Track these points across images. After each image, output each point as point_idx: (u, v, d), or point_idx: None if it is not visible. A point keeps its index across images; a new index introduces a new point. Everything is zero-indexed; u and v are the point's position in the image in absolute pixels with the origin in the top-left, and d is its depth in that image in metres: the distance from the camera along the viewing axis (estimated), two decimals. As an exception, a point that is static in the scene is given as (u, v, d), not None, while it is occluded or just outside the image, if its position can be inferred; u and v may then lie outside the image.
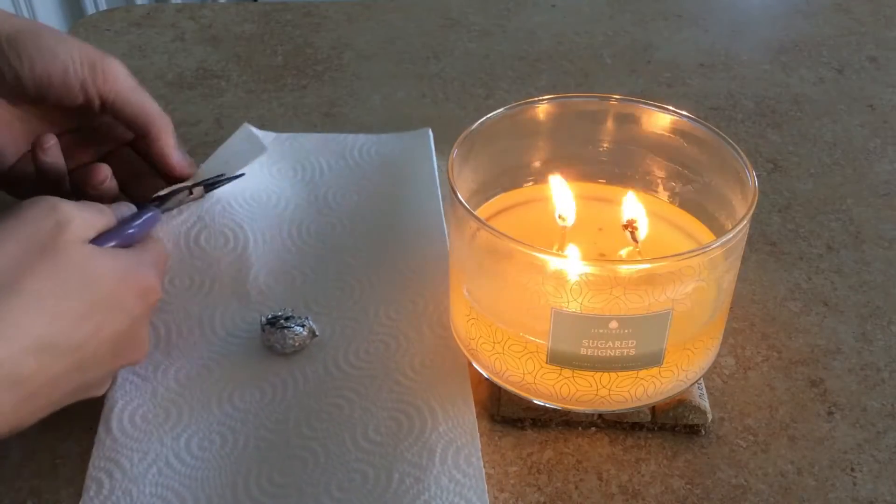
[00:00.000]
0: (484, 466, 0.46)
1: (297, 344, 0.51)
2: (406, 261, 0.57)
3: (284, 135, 0.67)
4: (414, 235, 0.58)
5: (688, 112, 0.50)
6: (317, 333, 0.52)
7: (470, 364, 0.49)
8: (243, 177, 0.59)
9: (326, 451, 0.46)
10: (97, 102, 0.54)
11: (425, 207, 0.61)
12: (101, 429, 0.47)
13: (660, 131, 0.51)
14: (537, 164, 0.54)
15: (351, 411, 0.48)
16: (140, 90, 0.55)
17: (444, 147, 0.66)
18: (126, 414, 0.48)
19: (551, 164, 0.53)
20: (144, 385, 0.49)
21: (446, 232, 0.58)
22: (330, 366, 0.51)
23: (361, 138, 0.67)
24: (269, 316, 0.52)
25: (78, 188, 0.54)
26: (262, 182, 0.61)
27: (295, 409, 0.48)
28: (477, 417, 0.48)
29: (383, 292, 0.55)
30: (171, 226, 0.56)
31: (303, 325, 0.51)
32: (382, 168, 0.64)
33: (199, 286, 0.54)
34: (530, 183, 0.54)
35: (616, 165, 0.53)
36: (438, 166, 0.64)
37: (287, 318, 0.51)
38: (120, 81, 0.54)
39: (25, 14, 1.49)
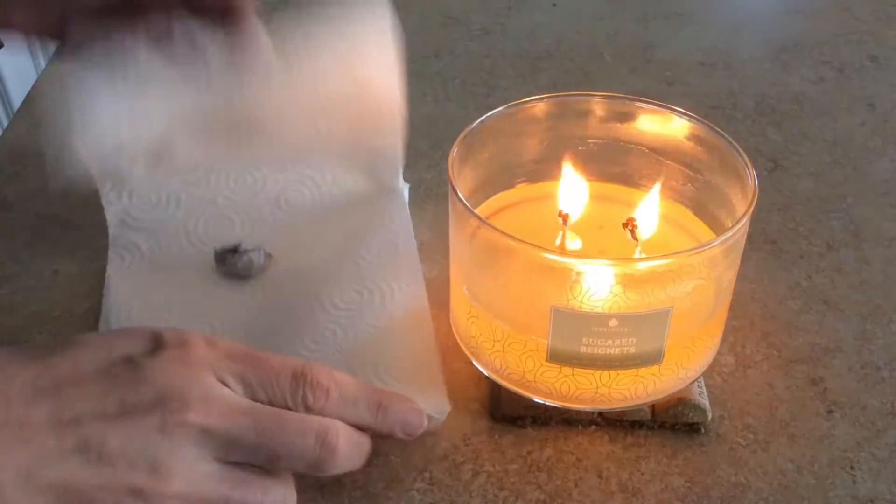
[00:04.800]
0: (484, 465, 0.46)
1: (256, 264, 0.54)
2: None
3: None
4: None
5: (688, 111, 0.50)
6: (271, 255, 0.55)
7: (469, 362, 0.49)
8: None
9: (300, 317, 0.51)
10: None
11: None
12: None
13: (660, 130, 0.51)
14: (537, 162, 0.54)
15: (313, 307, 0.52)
16: None
17: (444, 146, 0.66)
18: None
19: (551, 163, 0.53)
20: None
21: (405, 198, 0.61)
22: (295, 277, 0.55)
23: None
24: (219, 248, 0.55)
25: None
26: None
27: (266, 310, 0.53)
28: (477, 416, 0.48)
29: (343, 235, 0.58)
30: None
31: (258, 250, 0.55)
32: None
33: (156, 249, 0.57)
34: (530, 181, 0.54)
35: (616, 164, 0.53)
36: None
37: (239, 247, 0.55)
38: None
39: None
